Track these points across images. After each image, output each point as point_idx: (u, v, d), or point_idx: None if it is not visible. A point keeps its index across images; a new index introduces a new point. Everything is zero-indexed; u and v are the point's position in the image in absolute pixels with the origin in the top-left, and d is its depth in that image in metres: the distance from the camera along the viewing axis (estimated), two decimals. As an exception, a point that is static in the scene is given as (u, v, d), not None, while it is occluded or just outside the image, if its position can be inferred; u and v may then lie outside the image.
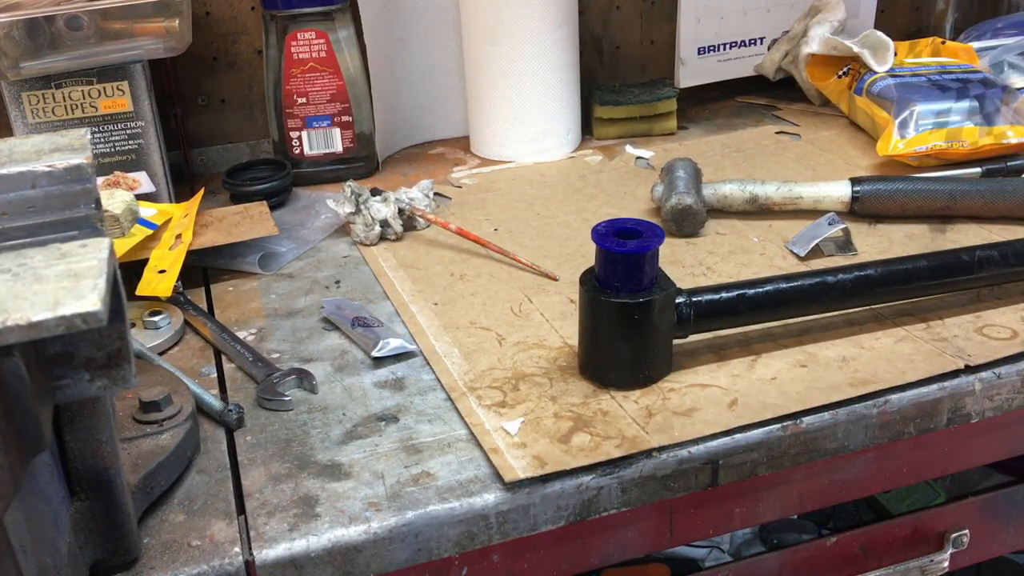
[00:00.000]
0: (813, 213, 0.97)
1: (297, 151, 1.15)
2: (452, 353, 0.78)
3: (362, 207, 0.98)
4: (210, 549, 0.59)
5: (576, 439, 0.66)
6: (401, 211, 0.99)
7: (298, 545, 0.59)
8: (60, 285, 0.44)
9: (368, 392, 0.74)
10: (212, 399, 0.72)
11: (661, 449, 0.66)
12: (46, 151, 0.55)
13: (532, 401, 0.71)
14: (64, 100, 0.99)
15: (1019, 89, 1.10)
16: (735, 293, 0.74)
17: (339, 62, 1.11)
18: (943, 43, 1.20)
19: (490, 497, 0.62)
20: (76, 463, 0.55)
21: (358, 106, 1.14)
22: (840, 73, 1.21)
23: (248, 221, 0.97)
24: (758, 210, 0.99)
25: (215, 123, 1.22)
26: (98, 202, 0.55)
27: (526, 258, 0.92)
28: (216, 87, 1.20)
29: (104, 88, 1.00)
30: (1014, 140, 1.02)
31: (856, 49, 1.15)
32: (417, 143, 1.27)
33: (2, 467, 0.44)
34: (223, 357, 0.80)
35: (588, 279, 0.71)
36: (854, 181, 0.96)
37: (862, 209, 0.96)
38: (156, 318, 0.83)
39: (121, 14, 0.96)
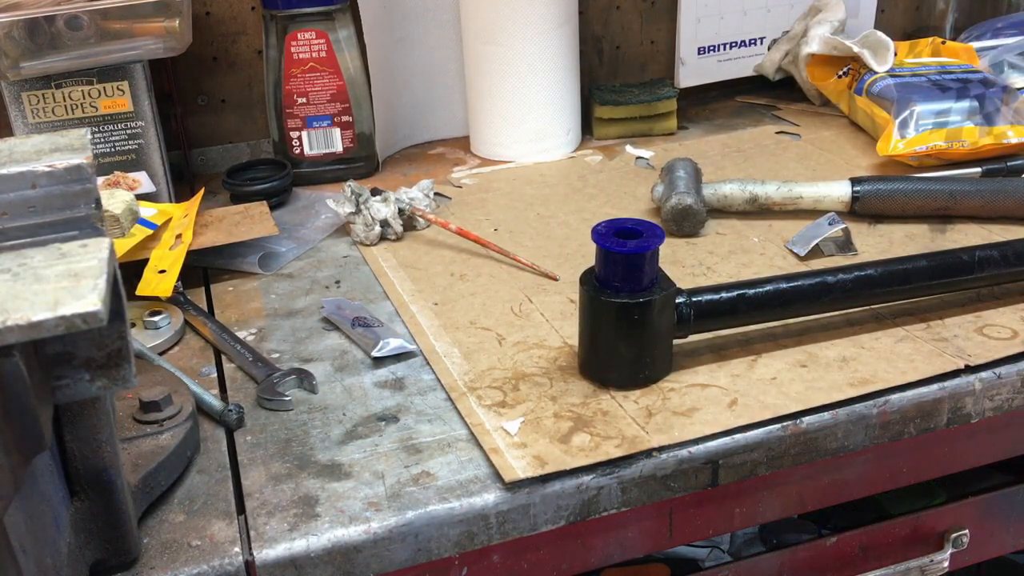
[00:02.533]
0: (813, 213, 0.97)
1: (297, 151, 1.15)
2: (452, 353, 0.78)
3: (362, 207, 0.98)
4: (210, 549, 0.59)
5: (576, 439, 0.66)
6: (401, 211, 0.99)
7: (298, 545, 0.59)
8: (60, 285, 0.44)
9: (368, 392, 0.74)
10: (212, 399, 0.72)
11: (661, 449, 0.66)
12: (46, 151, 0.55)
13: (532, 401, 0.71)
14: (64, 100, 0.99)
15: (1019, 89, 1.10)
16: (735, 293, 0.74)
17: (339, 62, 1.11)
18: (943, 43, 1.20)
19: (490, 497, 0.62)
20: (76, 463, 0.55)
21: (358, 106, 1.14)
22: (840, 73, 1.21)
23: (248, 221, 0.97)
24: (758, 210, 0.99)
25: (215, 123, 1.22)
26: (98, 202, 0.55)
27: (526, 258, 0.92)
28: (216, 87, 1.20)
29: (104, 88, 1.00)
30: (1014, 140, 1.02)
31: (856, 49, 1.15)
32: (417, 143, 1.27)
33: (2, 467, 0.44)
34: (223, 357, 0.80)
35: (588, 279, 0.71)
36: (854, 181, 0.96)
37: (862, 209, 0.96)
38: (156, 318, 0.83)
39: (121, 14, 0.96)
